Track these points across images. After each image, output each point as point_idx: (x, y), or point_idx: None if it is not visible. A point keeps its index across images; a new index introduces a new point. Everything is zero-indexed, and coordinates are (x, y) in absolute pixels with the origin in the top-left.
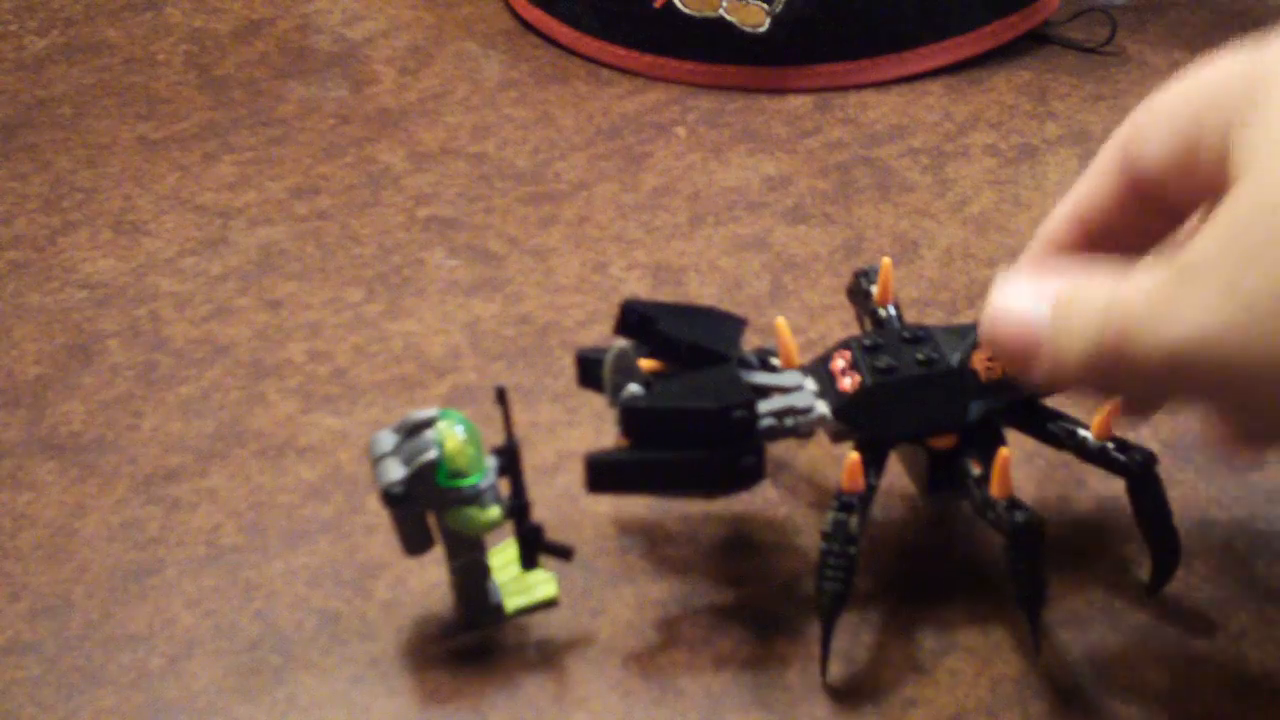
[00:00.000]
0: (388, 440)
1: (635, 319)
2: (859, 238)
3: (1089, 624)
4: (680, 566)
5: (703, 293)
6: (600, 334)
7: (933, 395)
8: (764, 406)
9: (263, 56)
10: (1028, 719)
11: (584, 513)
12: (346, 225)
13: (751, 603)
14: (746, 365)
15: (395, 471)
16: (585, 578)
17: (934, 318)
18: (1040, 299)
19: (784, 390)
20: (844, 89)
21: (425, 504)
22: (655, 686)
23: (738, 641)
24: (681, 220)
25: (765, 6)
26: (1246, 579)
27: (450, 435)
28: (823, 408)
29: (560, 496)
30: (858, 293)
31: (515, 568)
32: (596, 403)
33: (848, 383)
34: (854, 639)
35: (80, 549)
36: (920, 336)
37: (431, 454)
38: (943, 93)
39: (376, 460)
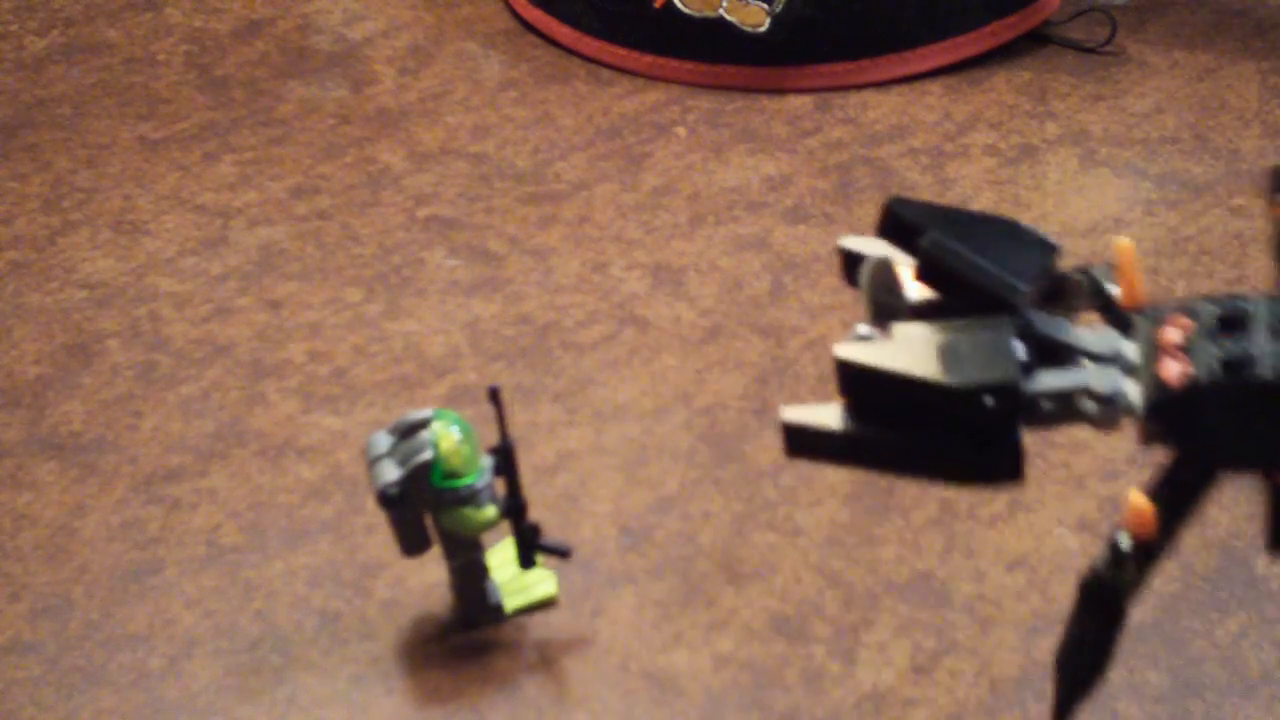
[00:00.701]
0: (383, 442)
1: (897, 224)
2: None
3: None
4: (680, 566)
5: (702, 293)
6: (600, 334)
7: (1276, 413)
8: (1045, 382)
9: (263, 56)
10: (1028, 719)
11: (584, 513)
12: (346, 225)
13: (751, 603)
14: (1047, 308)
15: (390, 473)
16: (585, 578)
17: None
18: None
19: (1088, 357)
20: (844, 89)
21: (421, 505)
22: (655, 686)
23: (738, 641)
24: (681, 220)
25: (765, 6)
26: (1246, 579)
27: (445, 436)
28: (1133, 394)
29: (560, 496)
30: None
31: (514, 567)
32: (597, 402)
33: (1175, 370)
34: (855, 639)
35: (80, 549)
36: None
37: (426, 455)
38: (943, 93)
39: (372, 462)
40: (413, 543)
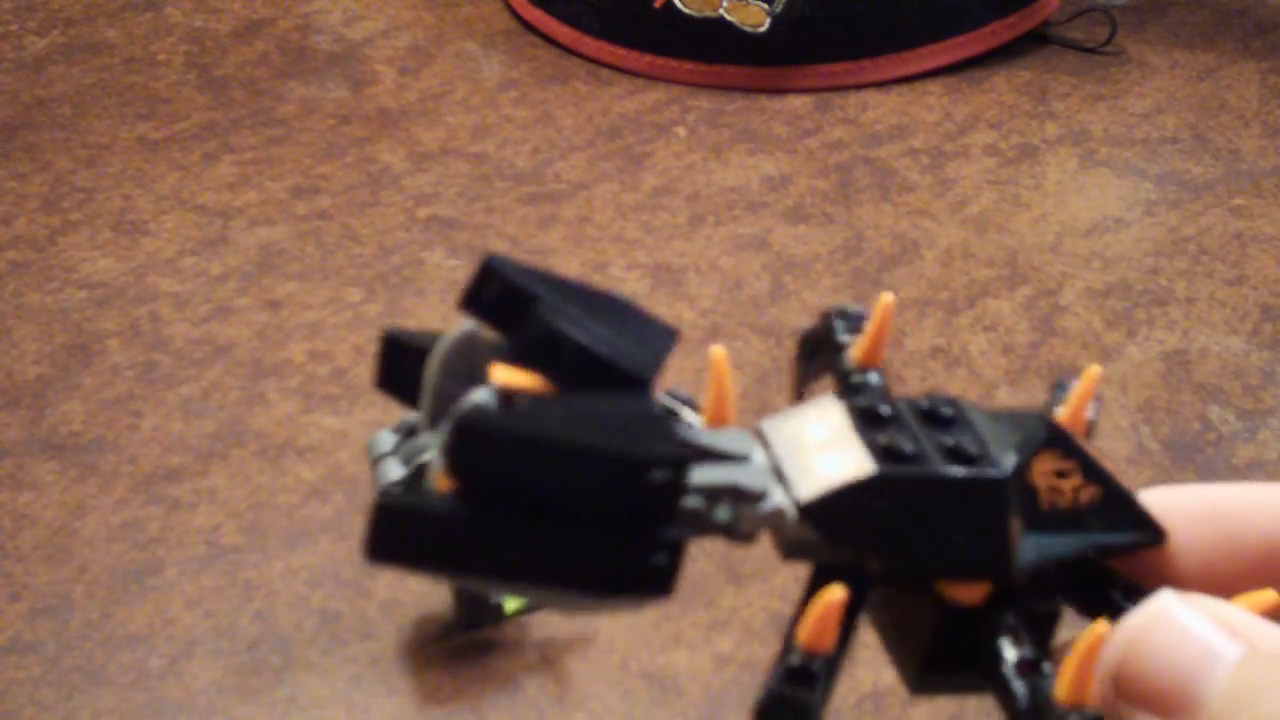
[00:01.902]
0: (387, 441)
1: (499, 291)
2: (859, 238)
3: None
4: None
5: (703, 293)
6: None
7: (965, 513)
8: (695, 477)
9: (263, 56)
10: None
11: None
12: (346, 225)
13: (751, 603)
14: (670, 403)
15: (394, 472)
16: None
17: (934, 318)
18: (1228, 634)
19: (723, 457)
20: (844, 89)
21: None
22: (655, 686)
23: (738, 641)
24: (681, 220)
25: (765, 6)
26: None
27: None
28: (782, 498)
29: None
30: (823, 344)
31: None
32: None
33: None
34: (855, 638)
35: (80, 549)
36: (946, 414)
37: (430, 454)
38: (943, 93)
39: (375, 461)
40: None
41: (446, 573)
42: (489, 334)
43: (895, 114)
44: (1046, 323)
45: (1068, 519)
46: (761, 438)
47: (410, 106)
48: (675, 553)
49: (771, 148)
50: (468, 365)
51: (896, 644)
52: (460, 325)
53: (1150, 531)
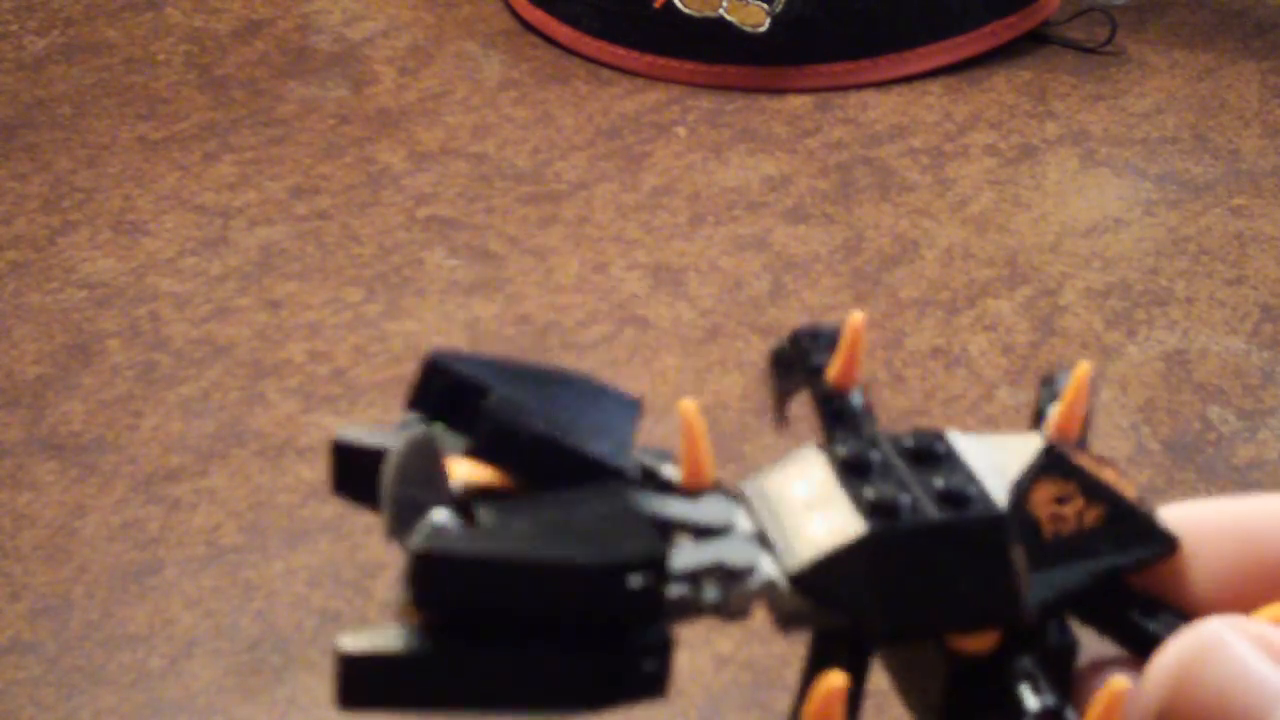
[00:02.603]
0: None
1: (446, 387)
2: (859, 238)
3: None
4: None
5: (703, 293)
6: (600, 334)
7: (966, 559)
8: (677, 561)
9: (263, 56)
10: None
11: None
12: (346, 225)
13: None
14: (642, 482)
15: None
16: None
17: (934, 318)
18: None
19: (704, 532)
20: (844, 89)
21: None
22: None
23: (738, 641)
24: (681, 220)
25: (765, 6)
26: None
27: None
28: (770, 568)
29: None
30: (794, 364)
31: None
32: None
33: (822, 527)
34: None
35: (80, 549)
36: (935, 451)
37: None
38: (943, 93)
39: None
40: None
41: (427, 711)
42: (444, 434)
43: (895, 114)
44: (1046, 323)
45: (1074, 547)
46: (743, 500)
47: (410, 106)
48: (665, 652)
49: (771, 148)
50: (426, 468)
51: (912, 696)
52: (413, 428)
53: (1161, 543)
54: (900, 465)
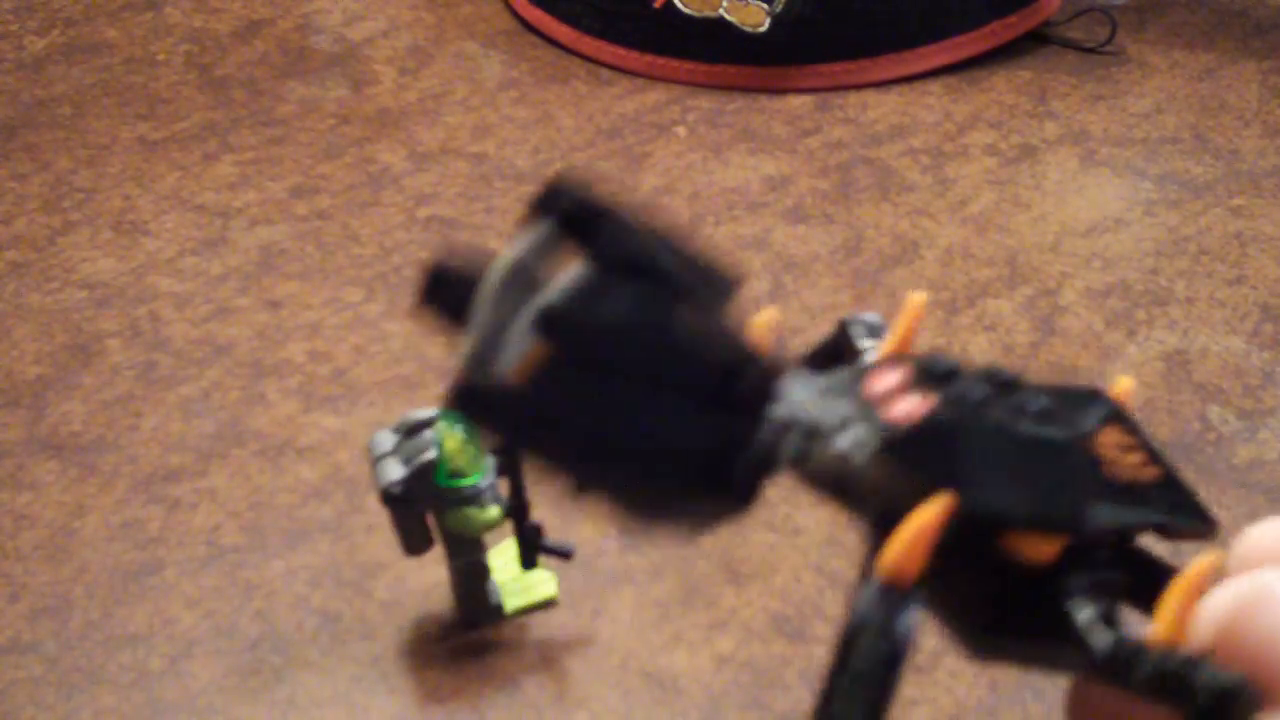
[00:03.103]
0: (387, 440)
1: (569, 206)
2: (859, 238)
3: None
4: (680, 566)
5: None
6: None
7: (1043, 466)
8: (772, 411)
9: (263, 56)
10: (1028, 719)
11: (584, 512)
12: (346, 225)
13: (751, 603)
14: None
15: (394, 471)
16: (585, 578)
17: (934, 318)
18: None
19: (792, 398)
20: (844, 89)
21: (424, 504)
22: (655, 686)
23: (738, 641)
24: (681, 220)
25: (765, 6)
26: None
27: (450, 435)
28: (864, 435)
29: (560, 496)
30: (837, 352)
31: (515, 567)
32: None
33: (905, 408)
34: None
35: (80, 549)
36: (1013, 381)
37: (431, 454)
38: (943, 93)
39: (376, 460)
40: (415, 542)
41: (526, 445)
42: (534, 264)
43: (895, 114)
44: (1046, 323)
45: (1131, 492)
46: (822, 390)
47: (410, 106)
48: (760, 465)
49: (771, 148)
50: (516, 293)
51: (955, 608)
52: (510, 249)
53: (1206, 521)
54: (981, 382)
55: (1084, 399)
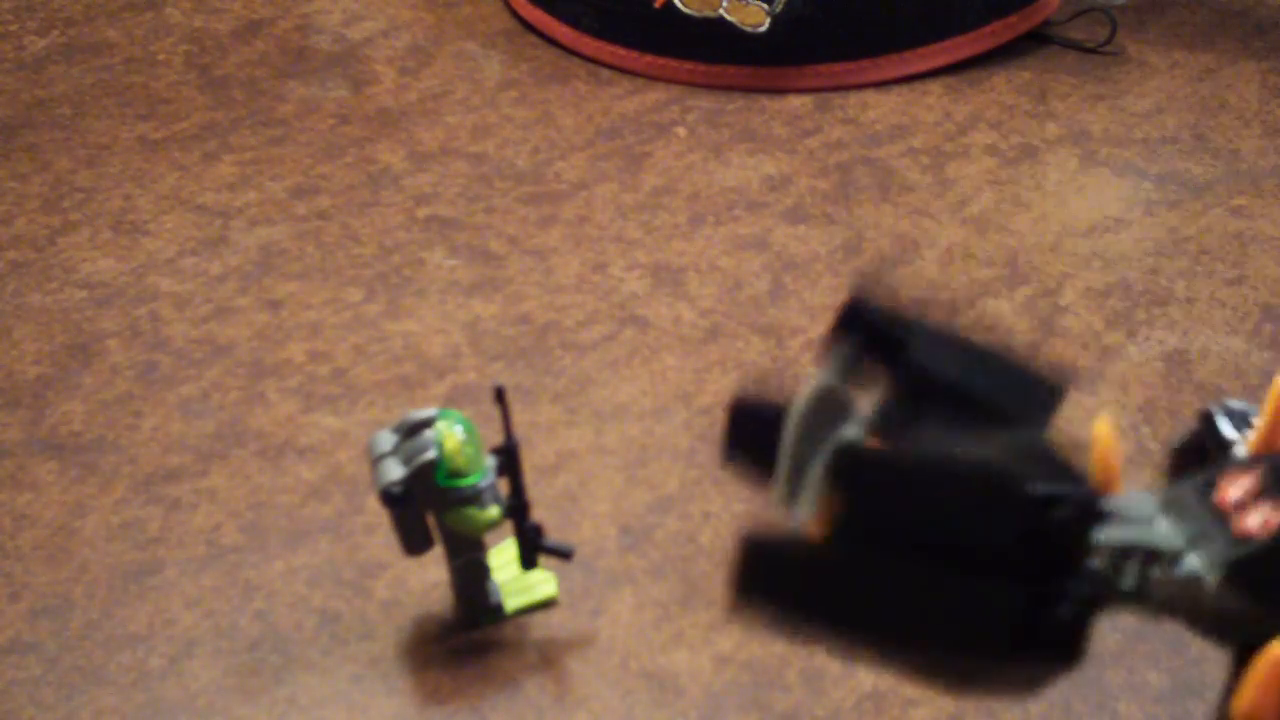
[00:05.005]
0: (387, 440)
1: (869, 326)
2: (859, 238)
3: None
4: (680, 566)
5: (702, 293)
6: (600, 333)
7: None
8: (1102, 534)
9: (263, 56)
10: (1028, 719)
11: (584, 513)
12: (346, 225)
13: None
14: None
15: (394, 471)
16: (585, 578)
17: (934, 318)
18: None
19: (1126, 519)
20: (844, 89)
21: (424, 504)
22: (655, 686)
23: (738, 641)
24: (681, 220)
25: (765, 6)
26: None
27: (449, 435)
28: (1197, 561)
29: (560, 496)
30: (1201, 448)
31: (515, 567)
32: (597, 402)
33: (1257, 519)
34: None
35: (80, 549)
36: None
37: (430, 454)
38: (943, 93)
39: (376, 460)
40: (415, 542)
41: (821, 621)
42: (840, 390)
43: (895, 114)
44: (1046, 323)
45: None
46: (1164, 504)
47: (410, 106)
48: (1084, 611)
49: (771, 148)
50: (823, 423)
51: None
52: (814, 381)
53: None
54: None
55: None
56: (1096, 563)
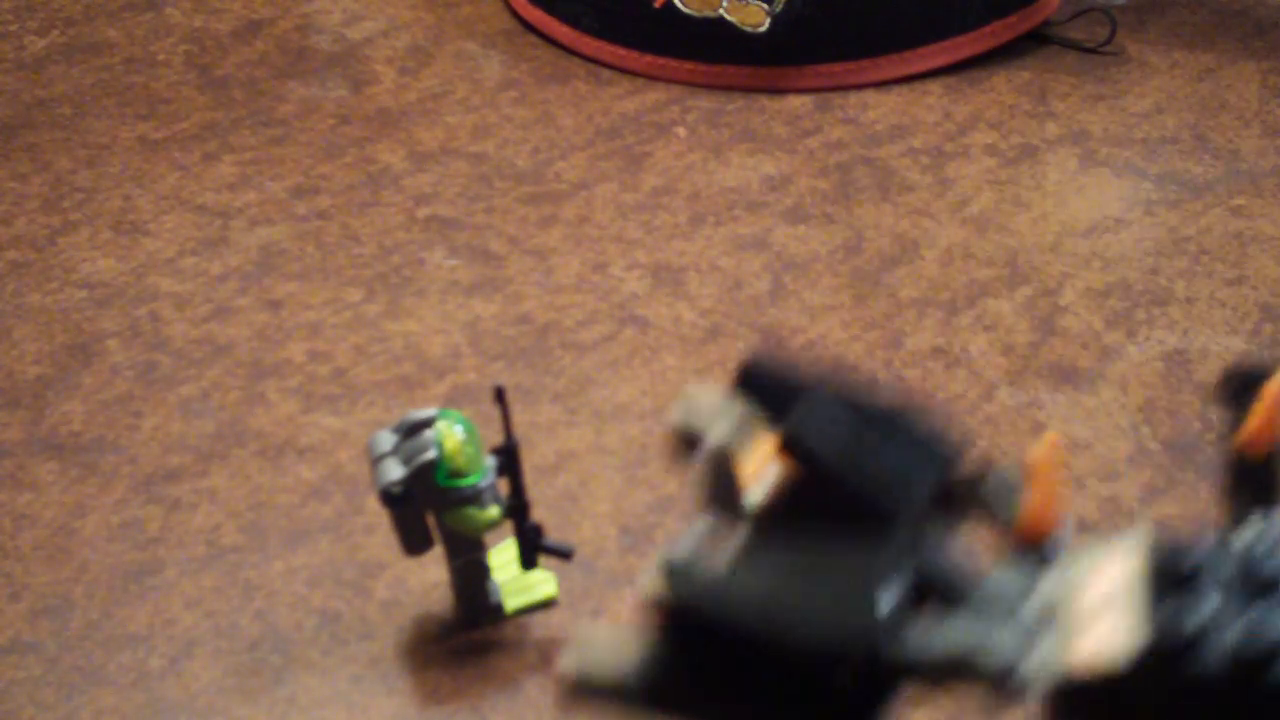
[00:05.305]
0: (387, 440)
1: (760, 385)
2: (859, 238)
3: None
4: None
5: (702, 293)
6: (600, 334)
7: (1243, 715)
8: (925, 641)
9: (263, 56)
10: (1028, 719)
11: (584, 513)
12: (346, 225)
13: None
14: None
15: (394, 471)
16: (585, 578)
17: (934, 318)
18: None
19: (982, 606)
20: (844, 89)
21: (424, 504)
22: None
23: None
24: (681, 220)
25: (765, 6)
26: None
27: (449, 435)
28: (1036, 664)
29: (560, 496)
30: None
31: (515, 567)
32: (597, 402)
33: (1093, 645)
34: None
35: (80, 549)
36: (1274, 579)
37: (430, 454)
38: (943, 93)
39: (376, 460)
40: (415, 542)
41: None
42: (738, 442)
43: (895, 114)
44: (1046, 323)
45: None
46: (1046, 569)
47: (410, 106)
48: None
49: (771, 148)
50: (725, 473)
51: None
52: (718, 431)
53: None
54: (1227, 587)
55: None
56: (932, 653)
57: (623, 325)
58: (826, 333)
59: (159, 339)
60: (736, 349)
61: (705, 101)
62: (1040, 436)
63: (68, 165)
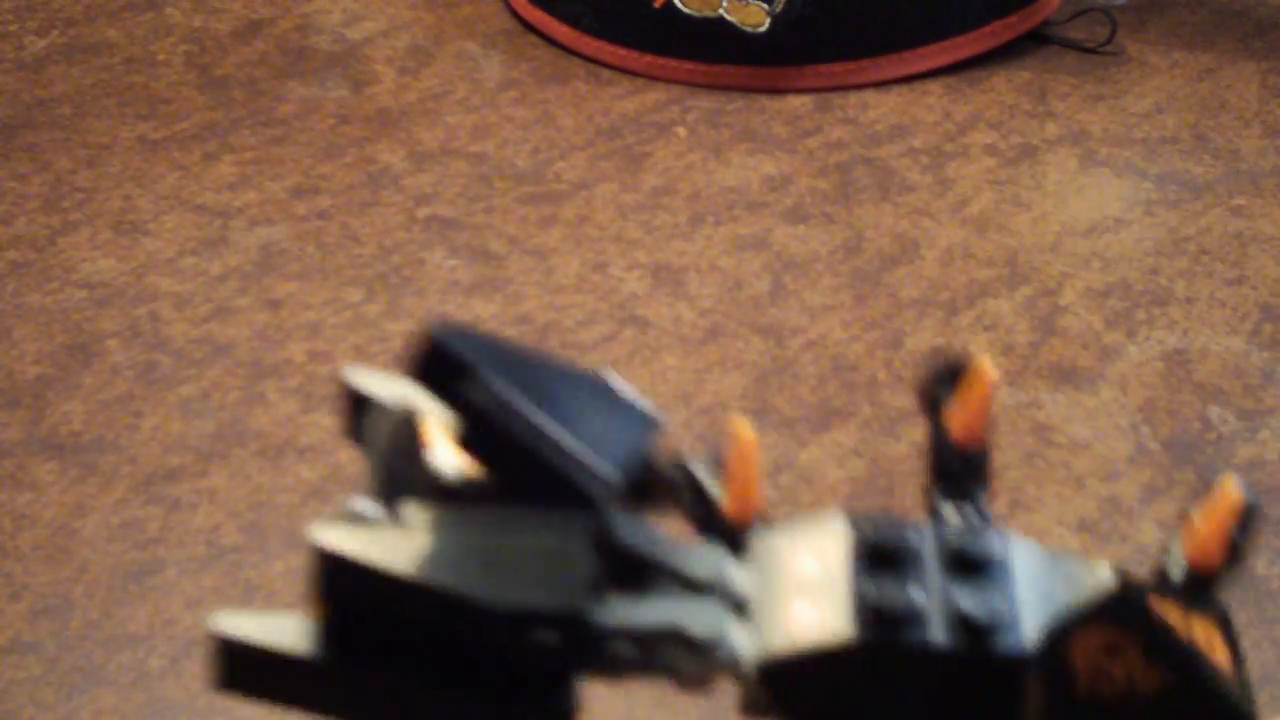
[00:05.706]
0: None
1: (440, 363)
2: (859, 238)
3: None
4: None
5: (702, 293)
6: (600, 334)
7: (962, 697)
8: (621, 615)
9: (263, 56)
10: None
11: None
12: (346, 225)
13: None
14: (631, 505)
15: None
16: None
17: (934, 318)
18: None
19: (679, 584)
20: (844, 89)
21: None
22: (655, 686)
23: None
24: (681, 220)
25: (765, 6)
26: (1246, 579)
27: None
28: (741, 643)
29: None
30: (931, 402)
31: None
32: None
33: (806, 619)
34: None
35: (80, 549)
36: (980, 561)
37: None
38: (943, 93)
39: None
40: None
41: (299, 707)
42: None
43: (895, 114)
44: (1046, 323)
45: (1113, 712)
46: (748, 553)
47: (410, 106)
48: (565, 716)
49: (771, 148)
50: (408, 442)
51: None
52: (403, 400)
53: None
54: (933, 566)
55: (1080, 582)
56: (624, 649)
57: (623, 325)
58: (826, 333)
59: (159, 339)
60: (736, 349)
61: (705, 101)
62: (731, 420)
63: (68, 165)
